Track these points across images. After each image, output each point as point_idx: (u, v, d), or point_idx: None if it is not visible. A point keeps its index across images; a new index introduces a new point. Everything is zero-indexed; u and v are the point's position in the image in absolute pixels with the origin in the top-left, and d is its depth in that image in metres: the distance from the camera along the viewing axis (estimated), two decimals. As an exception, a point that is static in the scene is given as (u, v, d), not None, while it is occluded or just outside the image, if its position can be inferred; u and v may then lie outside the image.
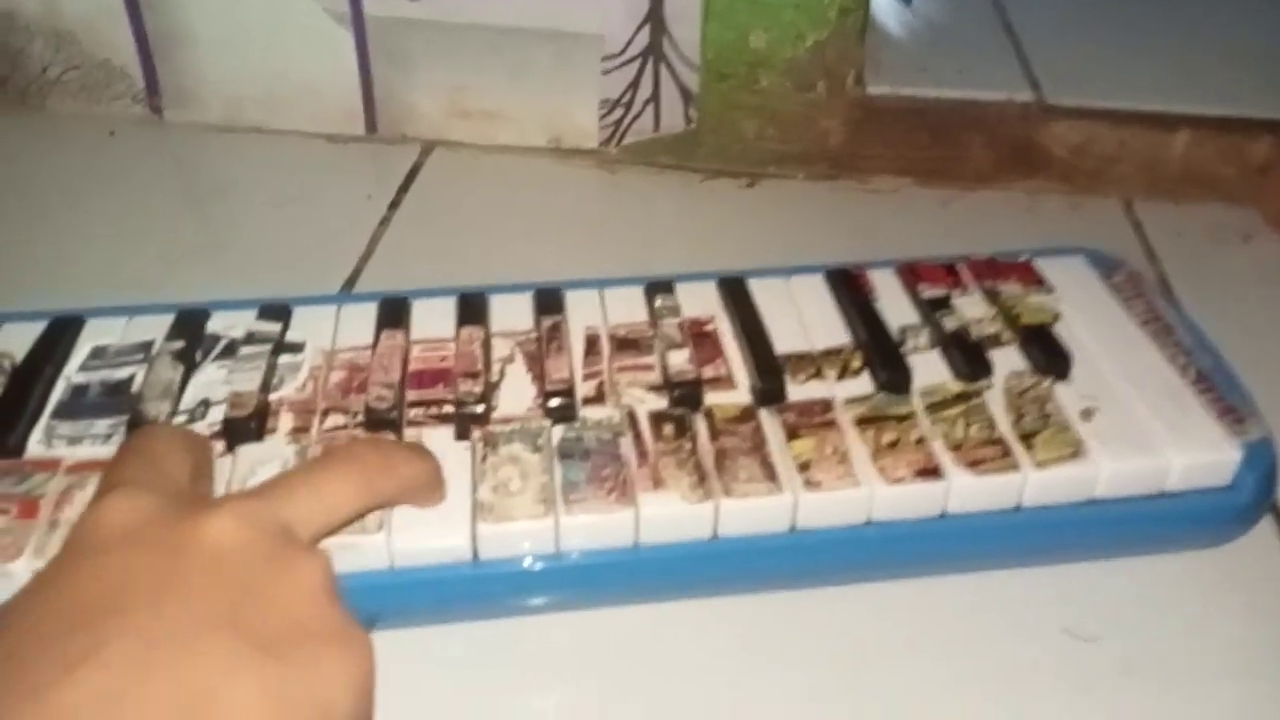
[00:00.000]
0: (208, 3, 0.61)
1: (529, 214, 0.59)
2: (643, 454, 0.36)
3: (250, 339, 0.40)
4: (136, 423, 0.36)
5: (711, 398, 0.38)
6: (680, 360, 0.39)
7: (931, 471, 0.35)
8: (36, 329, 0.41)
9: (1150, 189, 0.60)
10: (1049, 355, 0.39)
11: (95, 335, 0.41)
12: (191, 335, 0.40)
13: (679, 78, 0.60)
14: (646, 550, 0.34)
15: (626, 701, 0.35)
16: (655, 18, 0.58)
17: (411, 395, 0.38)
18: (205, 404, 0.38)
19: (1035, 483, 0.35)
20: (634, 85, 0.61)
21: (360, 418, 0.37)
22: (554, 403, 0.37)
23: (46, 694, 0.20)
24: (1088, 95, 0.59)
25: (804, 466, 0.35)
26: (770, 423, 0.37)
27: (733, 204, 0.60)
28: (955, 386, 0.39)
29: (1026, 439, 0.36)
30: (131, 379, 0.39)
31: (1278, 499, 0.39)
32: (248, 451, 0.36)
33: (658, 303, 0.42)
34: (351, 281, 0.53)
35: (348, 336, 0.41)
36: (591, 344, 0.41)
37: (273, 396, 0.38)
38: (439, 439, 0.36)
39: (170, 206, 0.59)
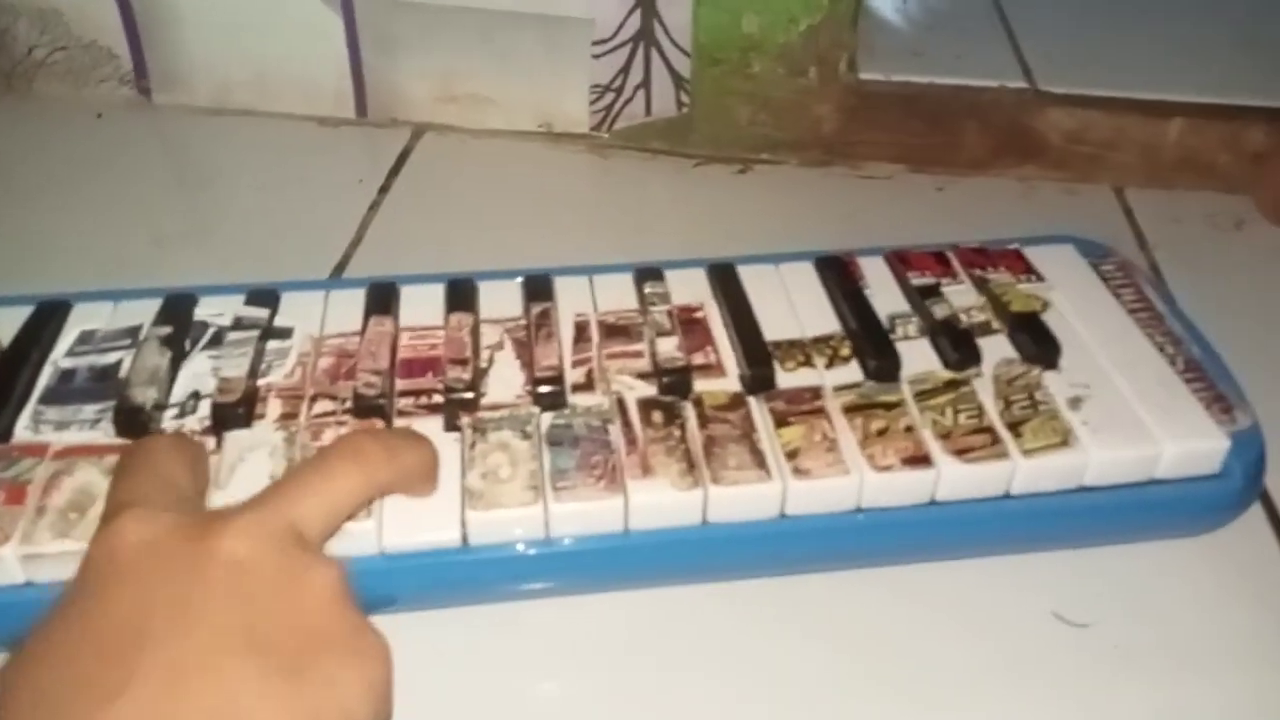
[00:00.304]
0: (196, -16, 0.61)
1: (519, 199, 0.59)
2: (632, 441, 0.36)
3: (238, 324, 0.40)
4: (123, 408, 0.36)
5: (701, 385, 0.38)
6: (669, 347, 0.39)
7: (920, 459, 0.35)
8: (23, 313, 0.40)
9: (1145, 176, 0.60)
10: (1038, 343, 0.39)
11: (82, 320, 0.41)
12: (179, 320, 0.40)
13: (670, 62, 0.60)
14: (637, 536, 0.34)
15: (620, 685, 0.35)
16: (646, 2, 0.58)
17: (401, 384, 0.38)
18: (195, 396, 0.37)
19: (1024, 471, 0.35)
20: (625, 70, 0.60)
21: (349, 404, 0.37)
22: (543, 389, 0.37)
23: None
24: (1082, 82, 0.59)
25: (793, 454, 0.35)
26: (759, 410, 0.37)
27: (725, 190, 0.60)
28: (944, 374, 0.39)
29: (1015, 427, 0.36)
30: (119, 364, 0.38)
31: (1267, 486, 0.40)
32: (236, 438, 0.35)
33: (647, 289, 0.42)
34: (341, 266, 0.53)
35: (336, 322, 0.41)
36: (581, 331, 0.40)
37: (261, 383, 0.38)
38: (428, 429, 0.36)
39: (159, 190, 0.59)
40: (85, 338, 0.40)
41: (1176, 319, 0.42)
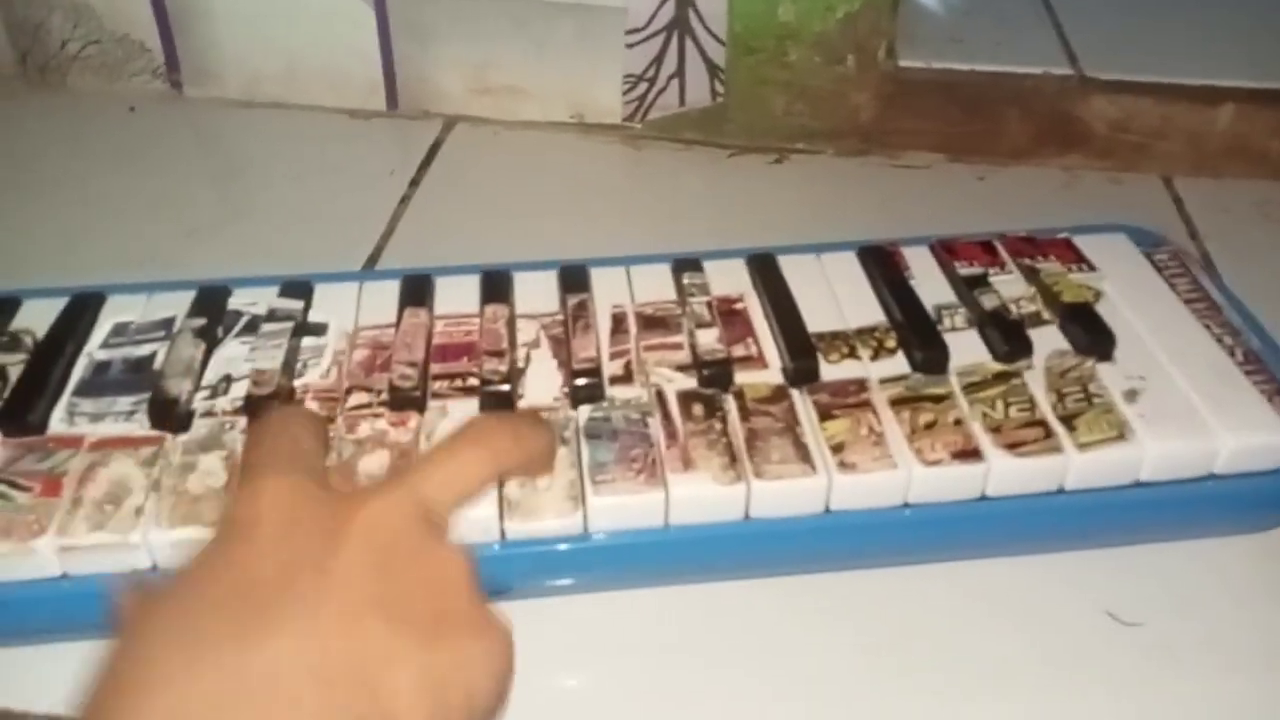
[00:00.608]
0: (227, -24, 0.60)
1: (552, 190, 0.58)
2: (672, 434, 0.35)
3: (272, 316, 0.39)
4: (158, 399, 0.36)
5: (742, 377, 0.37)
6: (709, 339, 0.38)
7: (970, 453, 0.34)
8: (58, 306, 0.40)
9: (1192, 165, 0.58)
10: (1092, 334, 0.38)
11: (116, 312, 0.40)
12: (213, 312, 0.40)
13: (705, 52, 0.59)
14: (677, 531, 0.33)
15: (658, 681, 0.34)
16: (681, -10, 0.57)
17: (435, 369, 0.37)
18: (228, 379, 0.37)
19: (1078, 465, 0.34)
20: (659, 59, 0.59)
21: (384, 396, 0.36)
22: (580, 382, 0.37)
23: (223, 655, 0.22)
24: (1128, 68, 0.58)
25: (838, 448, 0.34)
26: (803, 403, 0.36)
27: (760, 180, 0.59)
28: (994, 366, 0.37)
29: (1069, 420, 0.35)
30: (153, 356, 0.38)
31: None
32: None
33: (685, 280, 0.41)
34: (373, 258, 0.53)
35: (370, 314, 0.40)
36: (618, 323, 0.40)
37: (297, 383, 0.37)
38: (463, 411, 0.36)
39: (191, 182, 0.58)
40: (120, 330, 0.40)
41: (1234, 309, 0.41)
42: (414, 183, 0.58)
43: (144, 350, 0.38)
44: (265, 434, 0.29)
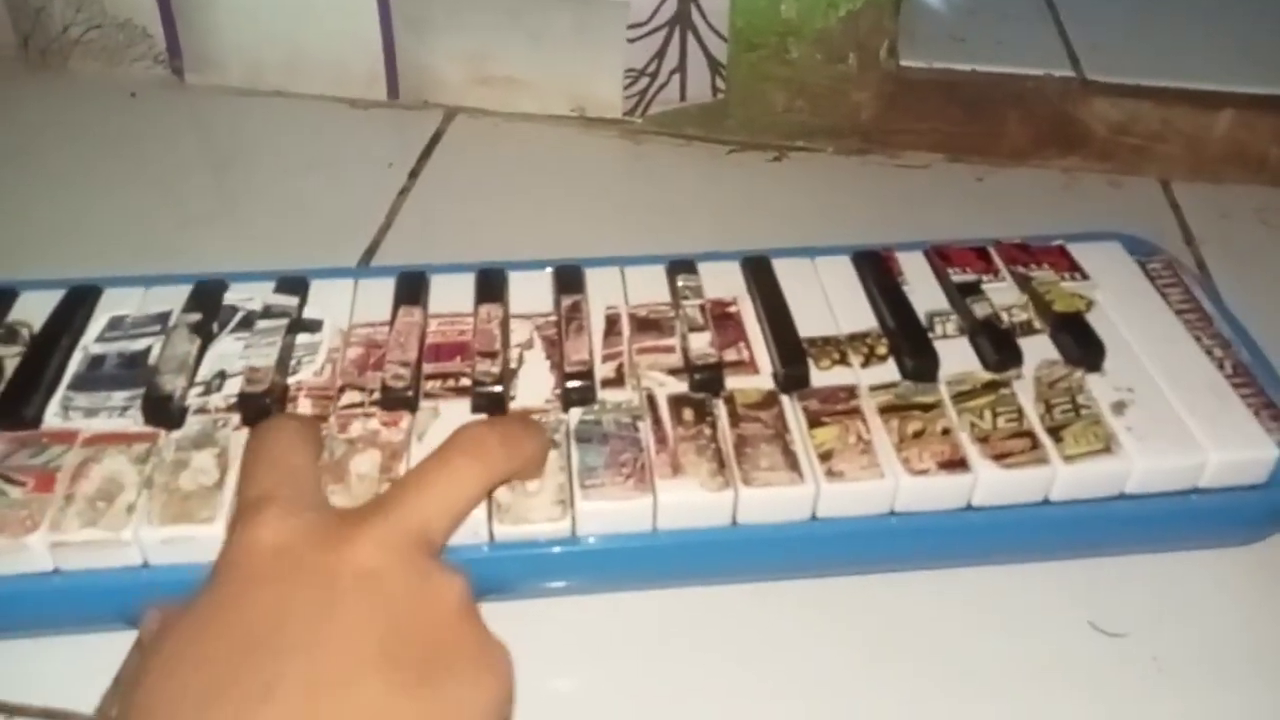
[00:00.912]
0: (229, -37, 0.60)
1: (551, 184, 0.58)
2: (661, 439, 0.35)
3: (268, 312, 0.40)
4: (152, 396, 0.36)
5: (733, 382, 0.37)
6: (702, 343, 0.38)
7: (957, 463, 0.34)
8: (54, 297, 0.40)
9: (1191, 169, 0.58)
10: (1082, 345, 0.38)
11: (113, 305, 0.40)
12: (209, 307, 0.40)
13: (707, 47, 0.59)
14: (665, 536, 0.34)
15: (645, 684, 0.35)
16: (683, -15, 0.57)
17: (428, 368, 0.38)
18: (222, 376, 0.37)
19: (1064, 477, 0.34)
20: (660, 54, 0.59)
21: (376, 396, 0.36)
22: (572, 384, 0.37)
23: None
24: (1129, 71, 0.58)
25: (826, 456, 0.34)
26: (793, 409, 0.36)
27: (760, 177, 0.59)
28: (984, 375, 0.38)
29: (1056, 431, 0.35)
30: (148, 350, 0.38)
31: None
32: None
33: (680, 282, 0.41)
34: (371, 251, 0.53)
35: (365, 311, 0.40)
36: (612, 324, 0.40)
37: (291, 380, 0.37)
38: (455, 412, 0.36)
39: (190, 170, 0.58)
40: (115, 323, 0.40)
41: (1225, 321, 0.41)
42: (413, 174, 0.58)
43: (139, 345, 0.39)
44: (255, 457, 0.29)
